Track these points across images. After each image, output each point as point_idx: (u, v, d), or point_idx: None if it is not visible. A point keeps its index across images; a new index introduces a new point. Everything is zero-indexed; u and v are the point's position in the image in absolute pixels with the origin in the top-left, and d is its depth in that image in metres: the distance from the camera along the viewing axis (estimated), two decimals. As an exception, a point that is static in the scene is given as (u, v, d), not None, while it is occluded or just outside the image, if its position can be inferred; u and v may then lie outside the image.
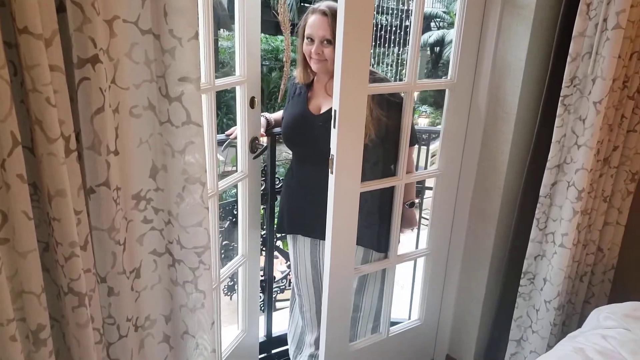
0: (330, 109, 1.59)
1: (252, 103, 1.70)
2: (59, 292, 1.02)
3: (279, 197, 2.05)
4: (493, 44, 1.72)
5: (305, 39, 1.70)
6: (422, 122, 9.33)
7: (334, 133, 1.54)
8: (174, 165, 1.11)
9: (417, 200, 2.02)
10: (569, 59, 1.54)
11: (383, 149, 1.79)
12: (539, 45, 1.67)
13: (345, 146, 1.56)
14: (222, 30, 9.44)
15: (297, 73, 1.81)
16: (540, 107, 1.67)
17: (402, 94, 1.72)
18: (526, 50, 1.65)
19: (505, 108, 1.75)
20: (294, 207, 1.90)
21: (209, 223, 1.21)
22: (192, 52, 1.02)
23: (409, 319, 2.27)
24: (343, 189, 1.61)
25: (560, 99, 1.59)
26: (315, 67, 1.70)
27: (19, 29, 0.80)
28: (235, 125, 1.75)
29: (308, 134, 1.79)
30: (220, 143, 1.83)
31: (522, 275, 1.83)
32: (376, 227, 1.87)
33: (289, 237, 1.97)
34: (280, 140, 1.95)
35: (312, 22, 1.67)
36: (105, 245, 1.04)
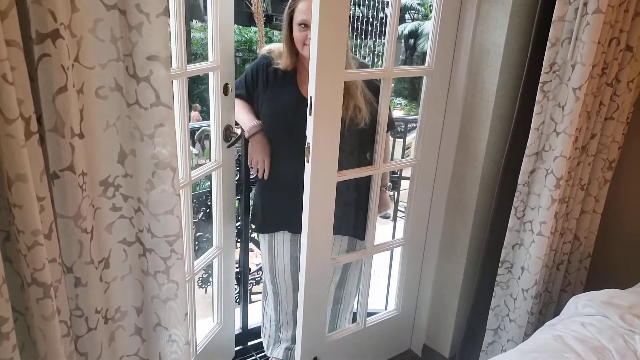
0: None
1: (225, 90, 1.65)
2: (22, 284, 0.96)
3: (253, 189, 1.98)
4: (471, 30, 1.71)
5: (297, 25, 1.62)
6: (397, 115, 9.37)
7: (309, 121, 1.51)
8: (143, 149, 1.07)
9: (389, 184, 2.00)
10: (548, 44, 1.54)
11: (364, 136, 1.78)
12: (518, 31, 1.66)
13: (322, 134, 1.53)
14: (194, 21, 9.26)
15: (283, 60, 1.72)
16: (519, 94, 1.67)
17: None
18: (505, 37, 1.65)
19: (483, 95, 1.75)
20: (277, 204, 1.82)
21: (181, 211, 1.16)
22: (160, 29, 0.97)
23: (386, 309, 2.27)
24: (319, 179, 1.59)
25: (540, 85, 1.58)
26: (308, 53, 1.61)
27: (-29, 1, 0.75)
28: (209, 117, 1.70)
29: (303, 122, 1.68)
30: (193, 132, 1.78)
31: (499, 264, 1.83)
32: (360, 214, 1.86)
33: (264, 235, 1.91)
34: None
35: (306, 8, 1.58)
36: (71, 234, 0.99)
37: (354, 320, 2.09)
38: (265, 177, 1.80)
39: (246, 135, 1.76)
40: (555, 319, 1.64)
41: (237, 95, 1.77)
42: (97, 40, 0.95)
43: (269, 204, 1.85)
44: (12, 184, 0.86)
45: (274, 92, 1.75)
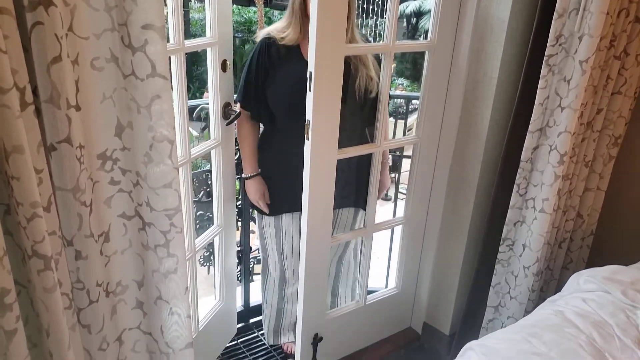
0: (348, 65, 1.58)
1: (223, 66, 1.64)
2: (23, 257, 0.97)
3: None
4: (475, 3, 1.68)
5: None
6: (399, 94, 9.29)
7: (309, 97, 1.50)
8: (140, 121, 1.06)
9: (389, 160, 2.00)
10: (555, 15, 1.50)
11: (364, 113, 1.77)
12: (523, 5, 1.62)
13: (322, 111, 1.52)
14: (193, 1, 9.16)
15: (290, 33, 1.66)
16: (524, 69, 1.64)
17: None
18: (509, 11, 1.61)
19: (486, 71, 1.73)
20: (287, 186, 1.78)
21: (179, 185, 1.16)
22: (155, -3, 0.96)
23: (386, 287, 2.28)
24: (319, 156, 1.58)
25: (545, 58, 1.55)
26: None
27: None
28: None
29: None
30: (191, 111, 1.77)
31: (501, 242, 1.83)
32: (362, 185, 1.86)
33: (271, 218, 1.89)
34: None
35: None
36: (70, 207, 0.99)
37: (353, 297, 2.11)
38: (266, 212, 1.85)
39: (243, 176, 1.84)
40: (557, 295, 1.64)
41: (242, 106, 1.74)
42: (91, 9, 0.94)
43: (279, 186, 1.83)
44: (9, 155, 0.85)
45: (282, 71, 1.69)
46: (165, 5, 1.15)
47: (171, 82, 1.24)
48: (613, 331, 1.38)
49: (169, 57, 1.30)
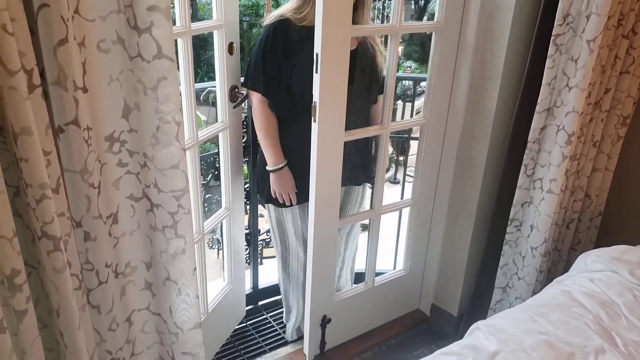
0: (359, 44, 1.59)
1: (230, 49, 1.63)
2: (33, 238, 0.98)
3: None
4: (482, -18, 1.66)
5: None
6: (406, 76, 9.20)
7: (316, 78, 1.49)
8: (146, 103, 1.06)
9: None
10: (562, -6, 1.48)
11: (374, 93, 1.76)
12: (530, -17, 1.61)
13: (329, 93, 1.51)
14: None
15: (310, 13, 1.54)
16: (531, 48, 1.62)
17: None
18: (516, -11, 1.59)
19: (493, 51, 1.71)
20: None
21: (187, 166, 1.17)
22: (160, -23, 0.95)
23: (394, 269, 2.29)
24: (327, 138, 1.58)
25: (552, 38, 1.53)
26: None
27: (-34, -52, 0.73)
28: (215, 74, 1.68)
29: (357, 76, 1.58)
30: (198, 94, 1.77)
31: (508, 223, 1.83)
32: (367, 160, 1.88)
33: (295, 208, 1.80)
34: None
35: None
36: (79, 188, 1.00)
37: (357, 281, 2.12)
38: (294, 203, 1.76)
39: (270, 169, 1.71)
40: (564, 275, 1.64)
41: (255, 89, 1.64)
42: (96, -9, 0.94)
43: (305, 174, 1.65)
44: (17, 137, 0.86)
45: (307, 53, 1.52)
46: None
47: (178, 65, 1.23)
48: (620, 310, 1.38)
49: (176, 40, 1.30)
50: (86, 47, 0.96)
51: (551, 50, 1.55)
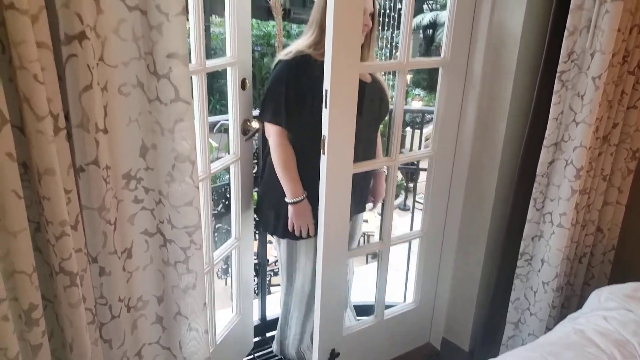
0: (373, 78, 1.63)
1: (243, 85, 1.69)
2: (51, 272, 1.01)
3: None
4: (487, 19, 1.70)
5: None
6: (416, 105, 9.36)
7: (325, 113, 1.53)
8: (163, 143, 1.10)
9: (385, 171, 1.97)
10: (566, 33, 1.51)
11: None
12: (535, 20, 1.64)
13: (337, 126, 1.55)
14: (214, 16, 9.34)
15: None
16: (537, 84, 1.65)
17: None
18: (521, 26, 1.63)
19: (500, 85, 1.74)
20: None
21: (200, 203, 1.20)
22: (179, 27, 1.01)
23: (404, 302, 2.28)
24: (335, 170, 1.61)
25: (558, 74, 1.56)
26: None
27: (5, 4, 0.79)
28: (228, 111, 1.73)
29: (370, 108, 1.61)
30: (211, 127, 1.82)
31: (519, 257, 1.82)
32: (364, 190, 1.90)
33: (310, 240, 1.81)
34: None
35: None
36: (96, 225, 1.04)
37: (365, 313, 2.11)
38: (312, 235, 1.76)
39: (290, 201, 1.70)
40: (578, 312, 1.61)
41: (276, 123, 1.64)
42: (120, 40, 0.99)
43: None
44: (41, 177, 0.90)
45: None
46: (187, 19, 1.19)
47: (192, 97, 1.27)
48: (635, 350, 1.36)
49: (191, 77, 1.35)
50: (108, 91, 1.01)
51: (557, 86, 1.58)
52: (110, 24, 0.98)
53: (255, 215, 1.94)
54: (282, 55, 1.65)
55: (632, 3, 1.48)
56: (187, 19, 1.18)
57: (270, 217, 1.81)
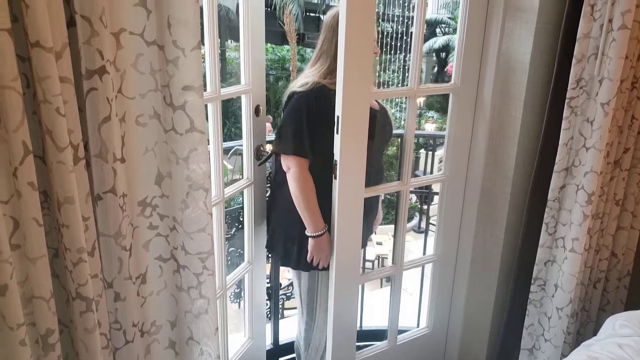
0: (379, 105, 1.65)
1: (257, 111, 1.73)
2: (67, 298, 1.04)
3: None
4: (496, 47, 1.73)
5: None
6: (429, 128, 9.41)
7: (337, 139, 1.56)
8: (178, 172, 1.14)
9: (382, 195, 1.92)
10: (574, 60, 1.54)
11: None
12: (543, 48, 1.67)
13: (349, 151, 1.58)
14: (230, 41, 9.56)
15: None
16: (546, 110, 1.67)
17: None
18: (530, 54, 1.66)
19: (510, 111, 1.76)
20: None
21: (213, 229, 1.23)
22: (194, 61, 1.05)
23: (418, 326, 2.26)
24: (347, 195, 1.62)
25: (567, 101, 1.58)
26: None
27: (31, 42, 0.83)
28: (242, 133, 1.77)
29: (379, 133, 1.64)
30: (226, 151, 1.86)
31: (532, 282, 1.81)
32: (372, 216, 1.88)
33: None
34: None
35: None
36: (112, 251, 1.07)
37: (378, 339, 2.09)
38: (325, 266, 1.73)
39: (312, 234, 1.66)
40: (592, 340, 1.59)
41: (300, 155, 1.61)
42: (138, 73, 1.04)
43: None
44: (61, 205, 0.94)
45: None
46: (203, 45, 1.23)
47: (207, 128, 1.31)
48: (651, 380, 1.33)
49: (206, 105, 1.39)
50: (126, 122, 1.05)
51: (566, 112, 1.59)
52: (129, 58, 1.02)
53: (268, 249, 1.86)
54: (298, 87, 1.63)
55: (638, 31, 1.49)
56: (203, 45, 1.22)
57: (292, 252, 1.74)
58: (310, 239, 1.67)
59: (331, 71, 1.63)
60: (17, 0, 0.82)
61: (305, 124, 1.60)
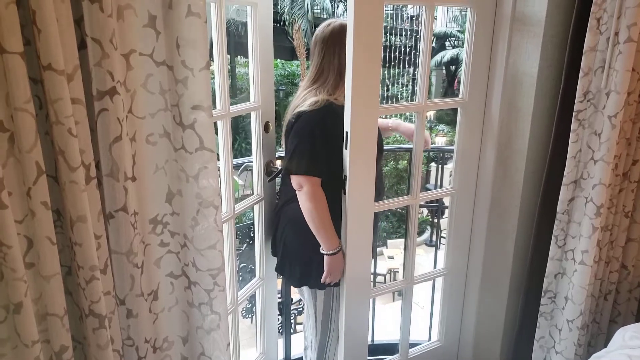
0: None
1: (266, 128, 1.75)
2: (81, 315, 1.05)
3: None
4: (504, 61, 1.74)
5: None
6: (439, 141, 9.39)
7: (346, 154, 1.57)
8: (188, 190, 1.15)
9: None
10: (581, 73, 1.54)
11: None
12: (550, 61, 1.67)
13: (358, 167, 1.59)
14: (239, 57, 9.69)
15: None
16: (554, 123, 1.67)
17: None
18: (537, 67, 1.66)
19: (518, 125, 1.76)
20: None
21: (223, 246, 1.24)
22: (203, 81, 1.07)
23: (429, 340, 2.24)
24: (357, 209, 1.63)
25: (574, 113, 1.58)
26: None
27: (43, 65, 0.86)
28: (252, 149, 1.79)
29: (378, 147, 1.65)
30: (236, 167, 1.87)
31: (542, 294, 1.79)
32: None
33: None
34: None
35: None
36: (124, 269, 1.08)
37: (389, 352, 2.07)
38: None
39: (328, 252, 1.64)
40: (602, 351, 1.57)
41: (314, 175, 1.59)
42: (148, 93, 1.06)
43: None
44: (74, 224, 0.96)
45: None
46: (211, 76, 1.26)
47: (217, 144, 1.32)
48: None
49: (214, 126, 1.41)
50: (136, 141, 1.07)
51: (574, 125, 1.59)
52: (139, 78, 1.05)
53: (279, 272, 1.82)
54: (307, 106, 1.60)
55: (645, 44, 1.49)
56: (212, 63, 1.23)
57: (311, 272, 1.71)
58: (326, 257, 1.65)
59: (336, 86, 1.63)
60: (30, 25, 0.85)
61: (318, 144, 1.59)
